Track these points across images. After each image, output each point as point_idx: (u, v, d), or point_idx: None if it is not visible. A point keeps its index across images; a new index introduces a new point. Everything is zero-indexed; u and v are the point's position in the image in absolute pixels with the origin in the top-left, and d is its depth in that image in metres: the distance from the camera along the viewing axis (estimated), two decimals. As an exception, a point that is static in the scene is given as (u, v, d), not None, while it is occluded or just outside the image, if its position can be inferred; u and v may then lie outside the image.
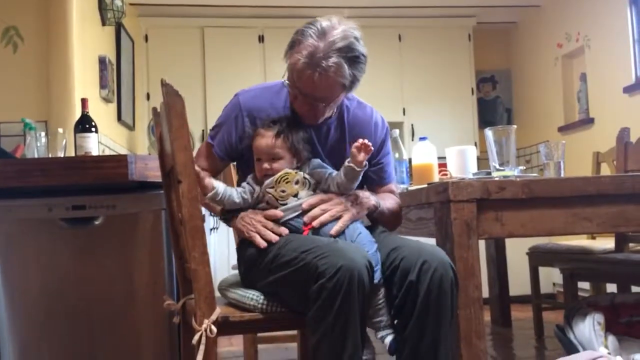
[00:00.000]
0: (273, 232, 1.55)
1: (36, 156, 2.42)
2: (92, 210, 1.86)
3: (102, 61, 3.77)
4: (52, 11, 3.26)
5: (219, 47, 5.03)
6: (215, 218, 3.44)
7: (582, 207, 1.70)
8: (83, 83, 3.36)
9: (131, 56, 4.58)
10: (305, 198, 1.58)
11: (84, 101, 2.42)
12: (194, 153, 1.59)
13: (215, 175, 1.80)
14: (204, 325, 1.38)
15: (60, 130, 2.49)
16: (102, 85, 3.76)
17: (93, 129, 2.38)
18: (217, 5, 4.83)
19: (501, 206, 1.66)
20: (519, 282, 3.96)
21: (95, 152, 2.38)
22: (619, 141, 2.93)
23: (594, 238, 3.40)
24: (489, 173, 1.99)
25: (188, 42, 5.01)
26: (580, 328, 1.89)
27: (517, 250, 3.66)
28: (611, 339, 1.88)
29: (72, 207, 1.85)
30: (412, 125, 5.22)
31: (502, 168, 1.90)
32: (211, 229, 3.98)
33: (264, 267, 1.53)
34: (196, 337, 1.38)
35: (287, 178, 1.60)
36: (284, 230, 1.56)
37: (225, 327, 1.46)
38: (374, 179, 1.78)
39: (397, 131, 2.66)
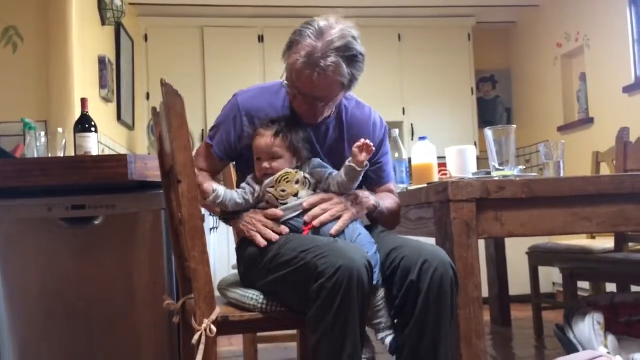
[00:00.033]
0: (273, 231, 1.56)
1: (36, 156, 2.42)
2: (92, 210, 1.86)
3: (101, 61, 3.77)
4: (51, 11, 3.26)
5: (218, 46, 5.03)
6: (215, 218, 3.44)
7: (581, 206, 1.70)
8: (83, 83, 3.36)
9: (131, 56, 4.58)
10: (306, 198, 1.58)
11: (83, 101, 2.42)
12: (194, 153, 1.59)
13: (214, 175, 1.80)
14: (204, 325, 1.38)
15: (60, 130, 2.49)
16: (102, 85, 3.76)
17: (93, 129, 2.38)
18: (217, 5, 4.83)
19: (501, 206, 1.66)
20: (518, 282, 3.96)
21: (95, 152, 2.38)
22: (619, 141, 2.93)
23: (593, 238, 3.40)
24: (489, 173, 1.99)
25: (188, 41, 5.01)
26: (580, 328, 1.89)
27: (516, 250, 3.66)
28: (611, 338, 1.88)
29: (72, 207, 1.85)
30: (411, 124, 5.22)
31: (501, 168, 1.90)
32: (211, 229, 3.98)
33: (263, 266, 1.53)
34: (196, 337, 1.38)
35: (288, 178, 1.60)
36: (285, 229, 1.56)
37: (225, 326, 1.46)
38: (373, 179, 1.78)
39: (396, 131, 2.66)
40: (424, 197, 1.81)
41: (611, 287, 3.12)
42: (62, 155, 2.39)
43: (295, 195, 1.59)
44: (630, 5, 4.06)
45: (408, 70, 5.25)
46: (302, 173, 1.61)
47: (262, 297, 1.51)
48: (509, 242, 3.48)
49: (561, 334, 1.98)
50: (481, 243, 2.10)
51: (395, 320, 1.50)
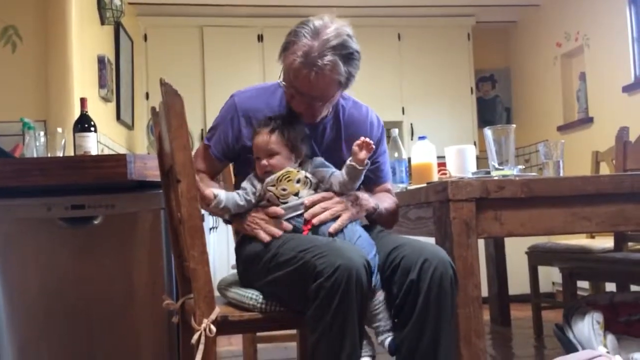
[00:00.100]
0: (275, 227, 1.56)
1: (35, 156, 2.42)
2: (91, 210, 1.86)
3: (101, 60, 3.76)
4: (50, 11, 3.26)
5: (218, 46, 5.03)
6: (214, 217, 3.44)
7: (581, 206, 1.70)
8: (82, 82, 3.36)
9: (130, 55, 4.58)
10: (306, 197, 1.58)
11: (82, 101, 2.41)
12: (193, 153, 1.59)
13: (214, 177, 1.80)
14: (203, 325, 1.38)
15: (59, 129, 2.49)
16: (101, 85, 3.76)
17: (92, 129, 2.38)
18: (216, 4, 4.83)
19: (500, 205, 1.66)
20: (518, 281, 3.97)
21: (94, 151, 2.38)
22: (618, 140, 2.93)
23: (593, 237, 3.40)
24: (488, 172, 1.99)
25: (187, 41, 5.01)
26: (579, 327, 1.89)
27: (516, 250, 3.66)
28: (610, 338, 1.88)
29: (71, 206, 1.85)
30: (411, 124, 5.22)
31: (501, 167, 1.90)
32: (210, 229, 3.98)
33: (262, 266, 1.53)
34: (195, 337, 1.38)
35: (289, 176, 1.60)
36: (287, 226, 1.56)
37: (225, 326, 1.45)
38: (371, 178, 1.78)
39: (396, 130, 2.66)
40: (424, 196, 1.81)
41: (610, 287, 3.12)
42: (61, 154, 2.39)
43: (296, 194, 1.59)
44: (629, 4, 4.06)
45: (407, 69, 5.25)
46: (303, 172, 1.62)
47: (261, 296, 1.51)
48: (509, 242, 3.48)
49: (560, 334, 1.98)
50: (480, 242, 2.09)
51: (395, 320, 1.50)
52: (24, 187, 1.80)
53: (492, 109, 5.72)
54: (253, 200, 1.64)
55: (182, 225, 1.46)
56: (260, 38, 5.07)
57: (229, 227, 1.84)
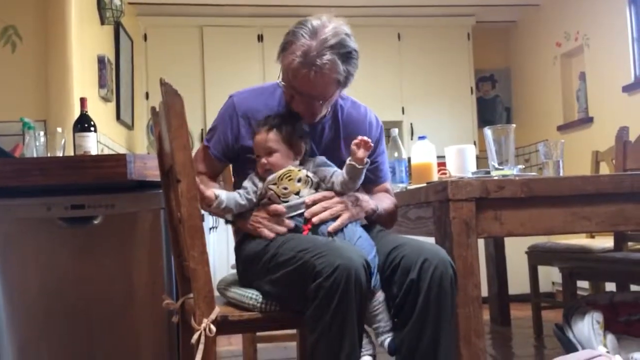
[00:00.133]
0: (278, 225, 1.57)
1: (35, 155, 2.42)
2: (91, 210, 1.86)
3: (100, 60, 3.76)
4: (50, 10, 3.26)
5: (218, 46, 5.03)
6: (214, 217, 3.44)
7: (581, 206, 1.70)
8: (82, 82, 3.36)
9: (130, 55, 4.58)
10: (307, 197, 1.58)
11: (82, 100, 2.41)
12: (193, 153, 1.59)
13: (214, 178, 1.80)
14: (203, 325, 1.38)
15: (59, 129, 2.49)
16: (101, 85, 3.76)
17: (92, 129, 2.38)
18: (216, 4, 4.83)
19: (500, 205, 1.66)
20: (518, 281, 3.97)
21: (94, 151, 2.38)
22: (618, 140, 2.93)
23: (593, 237, 3.40)
24: (488, 172, 1.99)
25: (187, 41, 5.00)
26: (579, 327, 1.89)
27: (516, 249, 3.66)
28: (610, 337, 1.88)
29: (71, 206, 1.85)
30: (411, 124, 5.22)
31: (501, 167, 1.90)
32: (210, 228, 3.98)
33: (262, 266, 1.53)
34: (195, 337, 1.38)
35: (290, 175, 1.60)
36: (290, 223, 1.57)
37: (225, 326, 1.45)
38: (370, 178, 1.78)
39: (396, 130, 2.66)
40: (423, 196, 1.81)
41: (610, 286, 3.12)
42: (61, 154, 2.39)
43: (297, 193, 1.59)
44: (629, 4, 4.06)
45: (407, 69, 5.25)
46: (304, 171, 1.62)
47: (261, 296, 1.51)
48: (508, 242, 3.49)
49: (560, 333, 1.98)
50: (480, 242, 2.09)
51: (395, 319, 1.50)
52: (24, 187, 1.80)
53: (492, 108, 5.72)
54: (254, 199, 1.64)
55: (182, 225, 1.46)
56: (260, 38, 5.08)
57: (229, 227, 1.84)
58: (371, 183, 1.80)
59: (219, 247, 4.27)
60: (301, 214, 1.57)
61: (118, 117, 4.15)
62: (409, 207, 2.04)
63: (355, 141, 1.55)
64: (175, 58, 4.95)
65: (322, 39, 1.55)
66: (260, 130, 1.64)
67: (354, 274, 1.34)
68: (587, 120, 4.49)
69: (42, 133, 2.46)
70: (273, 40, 4.92)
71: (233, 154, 1.75)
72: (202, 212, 1.56)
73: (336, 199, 1.59)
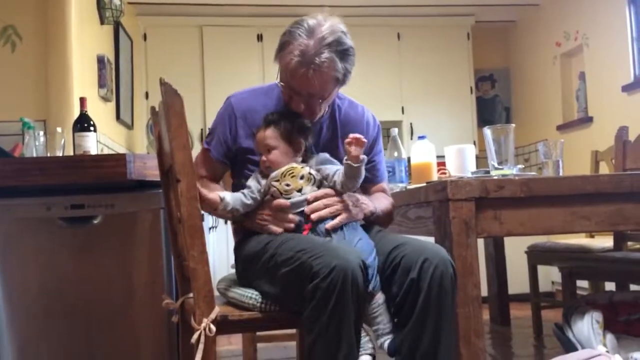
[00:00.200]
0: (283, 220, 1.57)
1: (35, 155, 2.42)
2: (91, 210, 1.86)
3: (100, 60, 3.76)
4: (50, 10, 3.26)
5: (217, 46, 5.02)
6: (214, 217, 3.44)
7: (580, 205, 1.70)
8: (81, 82, 3.36)
9: (130, 55, 4.57)
10: (309, 194, 1.59)
11: (82, 100, 2.41)
12: (193, 153, 1.59)
13: (215, 181, 1.80)
14: (203, 324, 1.37)
15: (59, 129, 2.49)
16: (101, 85, 3.76)
17: (91, 128, 2.38)
18: (216, 4, 4.83)
19: (500, 205, 1.66)
20: (517, 281, 3.97)
21: (93, 151, 2.38)
22: (618, 140, 2.93)
23: (592, 236, 3.40)
24: (488, 172, 1.99)
25: (187, 41, 5.00)
26: (578, 326, 1.89)
27: (515, 249, 3.66)
28: (610, 337, 1.88)
29: (71, 206, 1.85)
30: (410, 124, 5.22)
31: (500, 167, 1.91)
32: (210, 228, 3.98)
33: (261, 266, 1.53)
34: (195, 336, 1.38)
35: (293, 172, 1.60)
36: (294, 218, 1.57)
37: (224, 326, 1.45)
38: (368, 177, 1.78)
39: (395, 130, 2.66)
40: (423, 196, 1.81)
41: (610, 286, 3.12)
42: (60, 154, 2.39)
43: (299, 190, 1.59)
44: (629, 4, 4.06)
45: (407, 69, 5.25)
46: (307, 168, 1.62)
47: (260, 296, 1.51)
48: (508, 241, 3.49)
49: (560, 333, 1.98)
50: (480, 242, 2.09)
51: (396, 319, 1.50)
52: (24, 187, 1.80)
53: (491, 108, 5.72)
54: (259, 198, 1.64)
55: (181, 224, 1.46)
56: (259, 38, 5.08)
57: (229, 226, 1.84)
58: (368, 182, 1.79)
59: (219, 247, 4.26)
60: (301, 213, 1.57)
61: (118, 117, 4.15)
62: (408, 207, 2.04)
63: (347, 140, 1.54)
64: (175, 58, 4.95)
65: (319, 38, 1.56)
66: (259, 128, 1.65)
67: (350, 275, 1.33)
68: (586, 120, 4.49)
69: (41, 133, 2.46)
70: (273, 40, 4.87)
71: (233, 155, 1.75)
72: (202, 212, 1.56)
73: (337, 197, 1.59)
